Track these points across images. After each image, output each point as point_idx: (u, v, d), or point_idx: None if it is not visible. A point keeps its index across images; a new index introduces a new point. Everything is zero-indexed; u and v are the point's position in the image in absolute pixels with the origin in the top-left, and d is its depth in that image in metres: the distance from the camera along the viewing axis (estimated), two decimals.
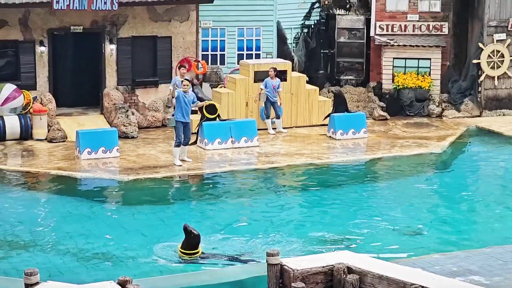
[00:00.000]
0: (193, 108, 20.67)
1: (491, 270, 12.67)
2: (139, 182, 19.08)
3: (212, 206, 17.67)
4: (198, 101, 20.86)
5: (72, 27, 23.87)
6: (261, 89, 22.99)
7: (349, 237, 15.34)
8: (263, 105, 23.30)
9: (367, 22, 27.27)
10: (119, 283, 11.10)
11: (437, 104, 26.10)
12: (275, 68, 23.20)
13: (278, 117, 23.27)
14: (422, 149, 22.15)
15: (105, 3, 22.84)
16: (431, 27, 26.77)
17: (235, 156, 21.28)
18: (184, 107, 19.60)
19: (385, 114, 25.45)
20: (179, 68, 22.54)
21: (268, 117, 23.35)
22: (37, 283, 11.08)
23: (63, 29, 23.95)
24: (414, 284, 11.20)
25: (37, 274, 11.31)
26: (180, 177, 19.67)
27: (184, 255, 14.00)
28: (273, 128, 23.33)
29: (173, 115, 19.93)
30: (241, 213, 17.39)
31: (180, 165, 19.84)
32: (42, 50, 23.67)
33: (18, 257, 14.21)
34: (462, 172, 20.72)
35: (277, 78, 23.04)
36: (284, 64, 24.41)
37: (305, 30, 27.86)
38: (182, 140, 19.83)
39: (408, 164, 21.15)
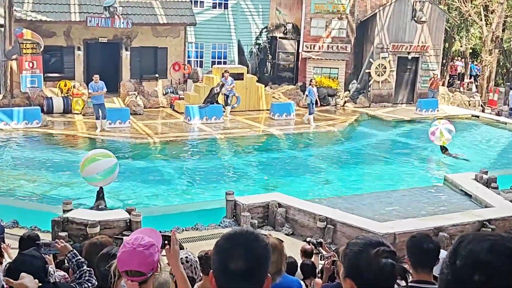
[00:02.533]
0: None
1: (374, 208, 12.84)
2: (146, 144, 18.69)
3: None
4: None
5: (100, 38, 23.45)
6: (306, 95, 21.86)
7: (281, 184, 15.44)
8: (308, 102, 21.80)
9: (297, 42, 27.29)
10: (126, 210, 11.07)
11: (341, 98, 26.23)
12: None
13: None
14: (331, 128, 22.14)
15: (122, 23, 22.50)
16: (339, 47, 26.83)
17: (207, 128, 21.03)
18: None
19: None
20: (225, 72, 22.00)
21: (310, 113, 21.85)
22: (71, 209, 10.98)
23: (94, 39, 23.49)
24: (321, 215, 11.35)
25: (71, 203, 11.22)
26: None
27: None
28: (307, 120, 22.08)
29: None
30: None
31: None
32: (79, 53, 23.26)
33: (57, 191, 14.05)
34: (355, 142, 20.81)
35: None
36: (242, 69, 24.25)
37: (257, 46, 27.81)
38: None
39: (321, 137, 21.21)
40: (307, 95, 21.96)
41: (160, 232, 3.19)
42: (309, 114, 21.92)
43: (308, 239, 7.58)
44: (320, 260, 6.54)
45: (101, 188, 12.19)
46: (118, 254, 3.06)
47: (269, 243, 2.09)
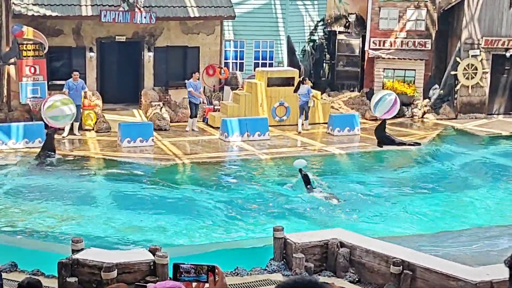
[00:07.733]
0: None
1: (458, 246, 12.64)
2: (173, 167, 18.86)
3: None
4: None
5: (116, 37, 23.91)
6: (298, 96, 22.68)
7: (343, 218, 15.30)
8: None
9: (363, 38, 27.25)
10: (150, 251, 11.12)
11: (419, 107, 25.96)
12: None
13: None
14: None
15: (144, 17, 22.85)
16: (416, 43, 26.66)
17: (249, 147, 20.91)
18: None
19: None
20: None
21: None
22: (82, 249, 11.10)
23: (109, 38, 23.98)
24: (395, 257, 11.18)
25: (82, 241, 11.34)
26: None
27: None
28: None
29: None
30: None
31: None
32: (91, 56, 23.76)
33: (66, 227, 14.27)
34: (438, 164, 20.50)
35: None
36: (292, 72, 24.32)
37: (311, 44, 27.89)
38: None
39: (394, 157, 21.00)
40: (299, 96, 22.53)
41: (197, 265, 3.16)
42: (306, 119, 22.87)
43: None
44: None
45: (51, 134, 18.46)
46: None
47: None
